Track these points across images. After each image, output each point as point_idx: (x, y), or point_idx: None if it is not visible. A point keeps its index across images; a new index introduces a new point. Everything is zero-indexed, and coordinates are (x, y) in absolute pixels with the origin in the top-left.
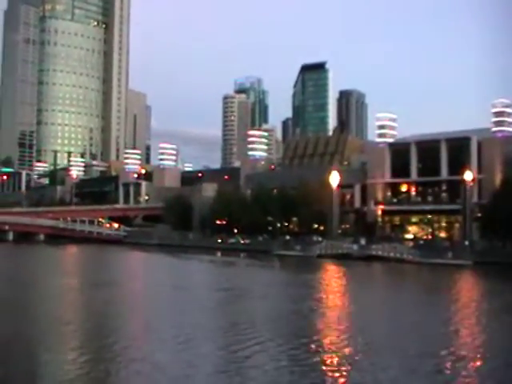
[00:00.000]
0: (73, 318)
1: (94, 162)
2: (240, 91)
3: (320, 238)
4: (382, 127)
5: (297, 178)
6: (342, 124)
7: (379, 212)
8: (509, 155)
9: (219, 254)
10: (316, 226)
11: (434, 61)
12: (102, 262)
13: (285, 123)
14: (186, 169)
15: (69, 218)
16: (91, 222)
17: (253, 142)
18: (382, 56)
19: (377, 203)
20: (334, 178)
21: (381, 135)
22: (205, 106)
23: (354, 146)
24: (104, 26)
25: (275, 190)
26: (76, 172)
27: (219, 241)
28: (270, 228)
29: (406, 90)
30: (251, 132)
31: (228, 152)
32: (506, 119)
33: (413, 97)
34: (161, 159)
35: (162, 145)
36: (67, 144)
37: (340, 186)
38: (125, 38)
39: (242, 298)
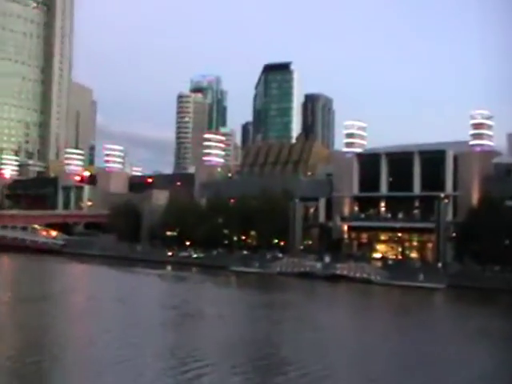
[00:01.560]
0: None
1: (30, 162)
2: (196, 90)
3: (281, 254)
4: (350, 136)
5: (257, 187)
6: (308, 131)
7: (345, 228)
8: (487, 171)
9: (169, 268)
10: (276, 240)
11: (409, 65)
12: (32, 275)
13: (245, 127)
14: (135, 173)
15: None
16: (24, 229)
17: (209, 147)
18: (352, 58)
19: (343, 218)
20: (298, 190)
21: (349, 144)
22: (158, 104)
23: (320, 155)
24: (45, 7)
25: (233, 200)
26: (9, 172)
27: (170, 254)
28: (227, 241)
29: (378, 97)
30: (207, 135)
31: (182, 156)
32: (484, 132)
33: (385, 104)
34: (107, 161)
35: (108, 145)
36: None
37: (304, 198)
38: (68, 22)
39: (190, 319)
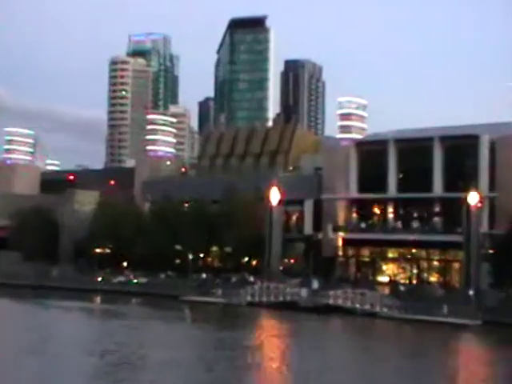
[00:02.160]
0: None
1: None
2: (136, 54)
3: (252, 278)
4: (346, 117)
5: (220, 187)
6: (289, 110)
7: (340, 242)
8: None
9: (99, 299)
10: (247, 259)
11: (419, 31)
12: None
13: (203, 106)
14: (50, 167)
15: None
16: None
17: (154, 132)
18: (349, 13)
19: (337, 229)
20: (275, 191)
21: (344, 129)
22: (84, 74)
23: (306, 144)
24: None
25: (187, 205)
26: None
27: (100, 279)
28: (179, 261)
29: (383, 66)
30: (152, 116)
31: (116, 145)
32: None
33: (392, 76)
34: (8, 151)
35: (10, 129)
36: None
37: (283, 201)
38: None
39: (128, 368)
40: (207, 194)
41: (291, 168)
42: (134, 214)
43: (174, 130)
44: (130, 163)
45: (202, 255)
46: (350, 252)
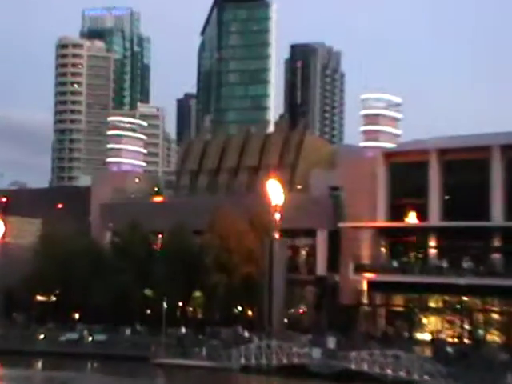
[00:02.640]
0: None
1: None
2: (93, 34)
3: (247, 334)
4: (372, 119)
5: (205, 213)
6: (295, 111)
7: (365, 286)
8: None
9: (40, 365)
10: (240, 308)
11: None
12: None
13: (182, 105)
14: None
15: None
16: None
17: (118, 139)
18: None
19: (360, 268)
20: (277, 218)
21: (370, 135)
22: (25, 61)
23: (318, 156)
24: None
25: (161, 237)
26: None
27: (42, 337)
28: (150, 311)
29: (418, 57)
30: (114, 119)
31: (66, 157)
32: None
33: (430, 70)
34: None
35: None
36: None
37: (289, 232)
38: None
39: None
40: (188, 221)
41: (298, 187)
42: (90, 248)
43: (143, 137)
44: (84, 181)
45: (180, 303)
46: (378, 299)
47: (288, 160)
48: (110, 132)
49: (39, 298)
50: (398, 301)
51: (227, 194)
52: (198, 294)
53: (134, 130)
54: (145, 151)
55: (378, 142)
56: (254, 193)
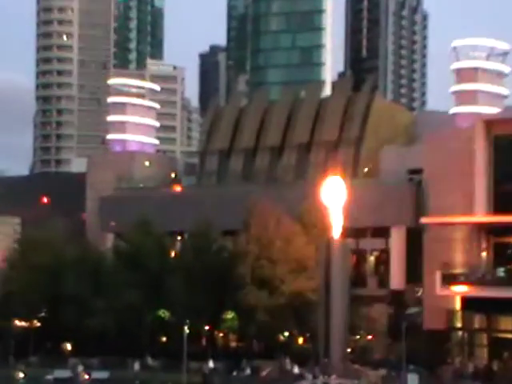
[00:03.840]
0: None
1: None
2: None
3: (297, 369)
4: (468, 75)
5: (238, 208)
6: (361, 66)
7: (457, 304)
8: None
9: None
10: (287, 335)
11: None
12: None
13: (208, 61)
14: None
15: None
16: None
17: (121, 110)
18: None
19: (451, 279)
20: (337, 213)
21: (464, 97)
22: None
23: (391, 127)
24: None
25: (181, 239)
26: None
27: (22, 376)
28: (166, 339)
29: None
30: (117, 81)
31: (53, 133)
32: None
33: None
34: None
35: None
36: None
37: (352, 232)
38: None
39: None
40: (216, 219)
41: (365, 170)
42: (86, 256)
43: (156, 106)
44: (77, 165)
45: (206, 328)
46: (477, 322)
47: (351, 134)
48: (110, 99)
49: (18, 323)
50: (506, 324)
51: (268, 183)
52: (230, 315)
53: (142, 97)
54: (158, 124)
55: (476, 106)
56: (304, 180)
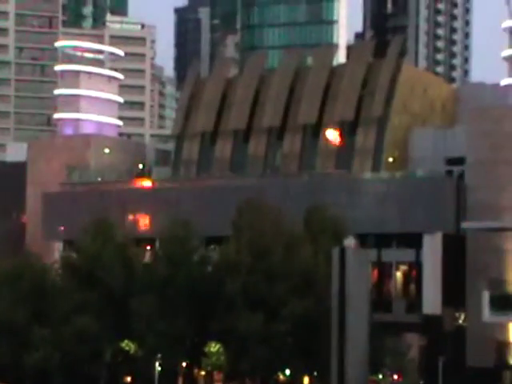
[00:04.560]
0: None
1: None
2: None
3: None
4: None
5: (226, 208)
6: (383, 25)
7: (511, 334)
8: None
9: None
10: (288, 372)
11: None
12: None
13: (184, 18)
14: None
15: None
16: None
17: (73, 81)
18: None
19: (503, 303)
20: (352, 209)
21: None
22: None
23: (424, 102)
24: None
25: (149, 248)
26: None
27: None
28: (131, 379)
29: None
30: (65, 44)
31: None
32: None
33: None
34: None
35: None
36: None
37: (372, 239)
38: None
39: None
40: (196, 222)
41: (390, 160)
42: (24, 271)
43: (118, 76)
44: (14, 152)
45: (184, 364)
46: None
47: (371, 113)
48: (58, 67)
49: None
50: None
51: (265, 175)
52: (214, 348)
53: (100, 64)
54: (121, 100)
55: None
56: (311, 171)
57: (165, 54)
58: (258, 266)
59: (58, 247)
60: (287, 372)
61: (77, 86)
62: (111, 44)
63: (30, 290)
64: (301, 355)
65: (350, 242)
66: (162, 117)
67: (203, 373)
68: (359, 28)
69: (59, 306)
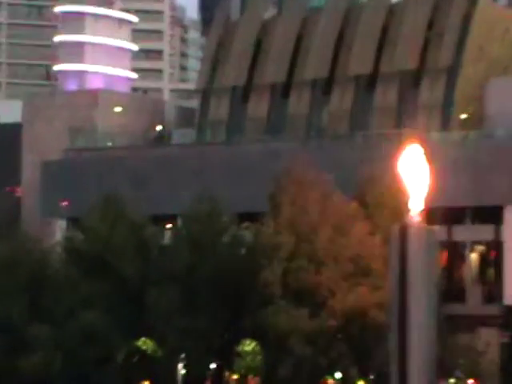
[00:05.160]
0: None
1: None
2: None
3: None
4: None
5: (261, 179)
6: None
7: None
8: None
9: None
10: (339, 375)
11: None
12: None
13: None
14: None
15: None
16: None
17: (76, 25)
18: None
19: None
20: (416, 187)
21: None
22: None
23: (504, 46)
24: None
25: (171, 226)
26: None
27: None
28: None
29: None
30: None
31: None
32: None
33: None
34: None
35: None
36: None
37: (440, 215)
38: None
39: None
40: (225, 195)
41: (462, 117)
42: (20, 256)
43: (132, 18)
44: (7, 111)
45: (213, 366)
46: None
47: (439, 60)
48: (58, 8)
49: None
50: None
51: (309, 137)
52: (249, 346)
53: (110, 4)
54: (135, 48)
55: None
56: (365, 133)
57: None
58: (300, 249)
59: (59, 226)
60: (337, 375)
61: (81, 32)
62: None
63: (27, 279)
64: (353, 356)
65: (413, 218)
66: (183, 68)
67: (236, 376)
68: None
69: (62, 298)
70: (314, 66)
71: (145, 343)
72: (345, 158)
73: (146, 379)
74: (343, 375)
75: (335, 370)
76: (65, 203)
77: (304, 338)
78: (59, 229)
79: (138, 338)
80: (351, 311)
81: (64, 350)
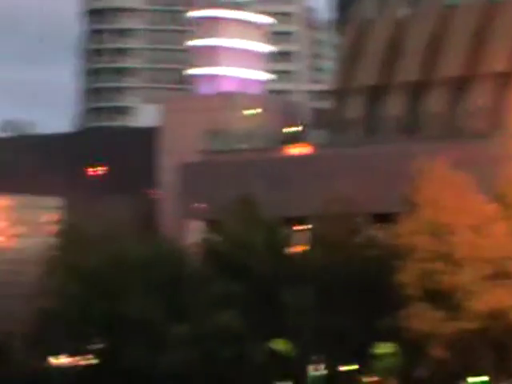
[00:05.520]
0: None
1: None
2: None
3: None
4: None
5: (396, 178)
6: None
7: None
8: None
9: None
10: (480, 380)
11: None
12: None
13: None
14: None
15: None
16: None
17: (211, 27)
18: None
19: None
20: None
21: None
22: None
23: None
24: None
25: (306, 228)
26: None
27: None
28: None
29: None
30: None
31: (107, 66)
32: None
33: None
34: None
35: None
36: None
37: None
38: None
39: None
40: (360, 196)
41: None
42: (159, 257)
43: (266, 21)
44: (143, 115)
45: (348, 368)
46: None
47: None
48: (193, 13)
49: (63, 360)
50: None
51: (448, 137)
52: (383, 348)
53: (241, 7)
54: (269, 50)
55: None
56: (503, 136)
57: None
58: (437, 250)
59: (194, 228)
60: (480, 380)
61: (216, 36)
62: None
63: (165, 280)
64: (496, 360)
65: None
66: (317, 69)
67: (372, 379)
68: None
69: (198, 298)
70: (452, 64)
71: (280, 344)
72: (483, 158)
73: (281, 380)
74: (489, 379)
75: (477, 375)
76: (201, 205)
77: (442, 341)
78: (193, 230)
79: (272, 338)
80: (490, 314)
81: (202, 348)
